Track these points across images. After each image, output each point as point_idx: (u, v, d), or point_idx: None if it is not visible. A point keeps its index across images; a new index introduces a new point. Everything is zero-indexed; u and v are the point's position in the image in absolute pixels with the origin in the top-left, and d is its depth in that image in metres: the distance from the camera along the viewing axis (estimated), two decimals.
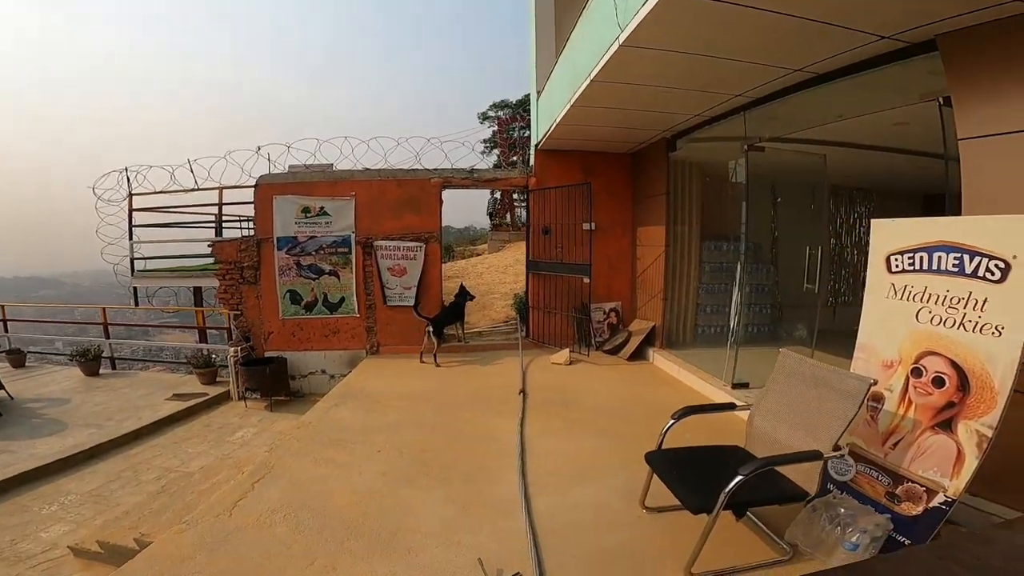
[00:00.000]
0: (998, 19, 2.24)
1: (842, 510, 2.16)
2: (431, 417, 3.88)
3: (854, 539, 2.03)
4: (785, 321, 5.74)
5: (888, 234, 2.29)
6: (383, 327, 5.91)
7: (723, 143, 4.51)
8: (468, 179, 6.07)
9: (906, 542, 2.04)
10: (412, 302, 5.79)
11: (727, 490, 1.83)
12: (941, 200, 2.61)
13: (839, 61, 2.99)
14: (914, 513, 2.06)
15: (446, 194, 6.07)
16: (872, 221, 2.39)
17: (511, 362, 5.33)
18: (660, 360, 5.12)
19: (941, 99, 2.58)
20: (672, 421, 2.38)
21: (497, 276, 9.70)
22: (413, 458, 3.14)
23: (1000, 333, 1.80)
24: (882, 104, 3.20)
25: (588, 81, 3.59)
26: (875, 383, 1.94)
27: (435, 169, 6.12)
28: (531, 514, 2.44)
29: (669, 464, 2.26)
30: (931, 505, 2.01)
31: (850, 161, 4.91)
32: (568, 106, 4.29)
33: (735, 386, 3.99)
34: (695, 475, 2.14)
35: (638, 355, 5.34)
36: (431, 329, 5.29)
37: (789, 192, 5.59)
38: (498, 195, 14.27)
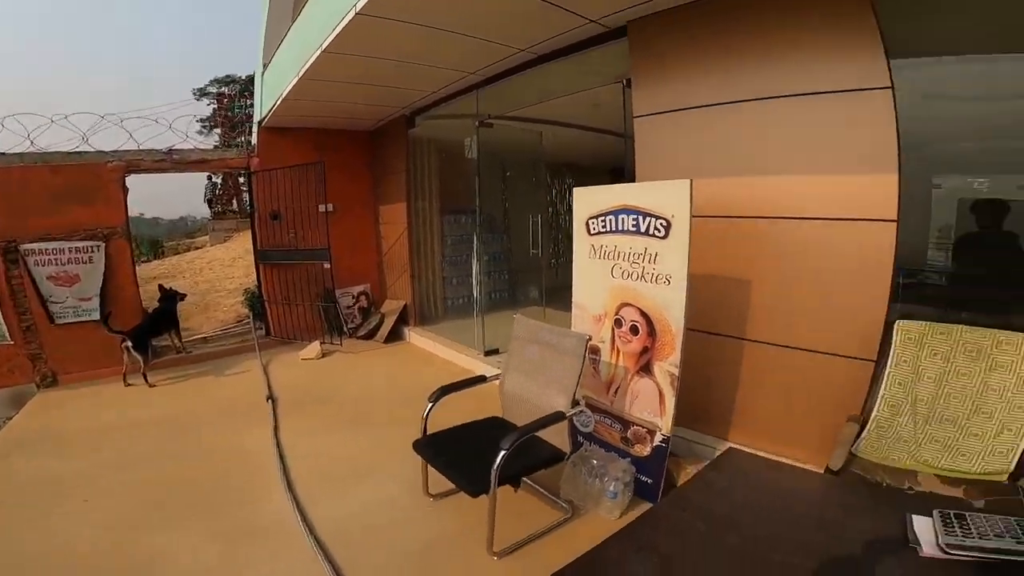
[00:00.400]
0: (672, 7, 2.67)
1: (595, 462, 2.37)
2: (165, 445, 3.14)
3: (611, 488, 2.25)
4: (520, 285, 6.32)
5: (586, 201, 2.58)
6: (57, 351, 4.46)
7: (458, 120, 4.64)
8: (164, 161, 4.91)
9: (648, 481, 2.34)
10: (97, 315, 4.48)
11: (494, 468, 1.85)
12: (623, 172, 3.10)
13: (558, 42, 3.26)
14: (645, 453, 2.39)
15: (145, 181, 4.94)
16: (574, 190, 2.67)
17: (251, 366, 4.66)
18: (416, 338, 5.13)
19: (625, 81, 3.01)
20: (430, 404, 2.32)
21: (222, 271, 8.45)
22: (153, 496, 2.48)
23: (670, 282, 2.19)
24: (585, 85, 3.59)
25: (319, 52, 3.26)
26: (590, 338, 2.16)
27: (115, 151, 4.74)
28: (312, 529, 2.17)
29: (436, 449, 2.21)
30: (655, 444, 2.35)
31: (562, 138, 5.56)
32: (296, 79, 3.85)
33: (487, 353, 4.22)
34: (464, 457, 2.12)
35: (394, 336, 5.24)
36: (129, 344, 4.19)
37: (516, 166, 6.11)
38: (219, 179, 12.16)
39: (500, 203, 6.37)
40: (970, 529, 1.11)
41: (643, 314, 2.31)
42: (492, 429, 2.34)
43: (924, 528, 1.13)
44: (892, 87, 2.17)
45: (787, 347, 2.51)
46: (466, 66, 3.74)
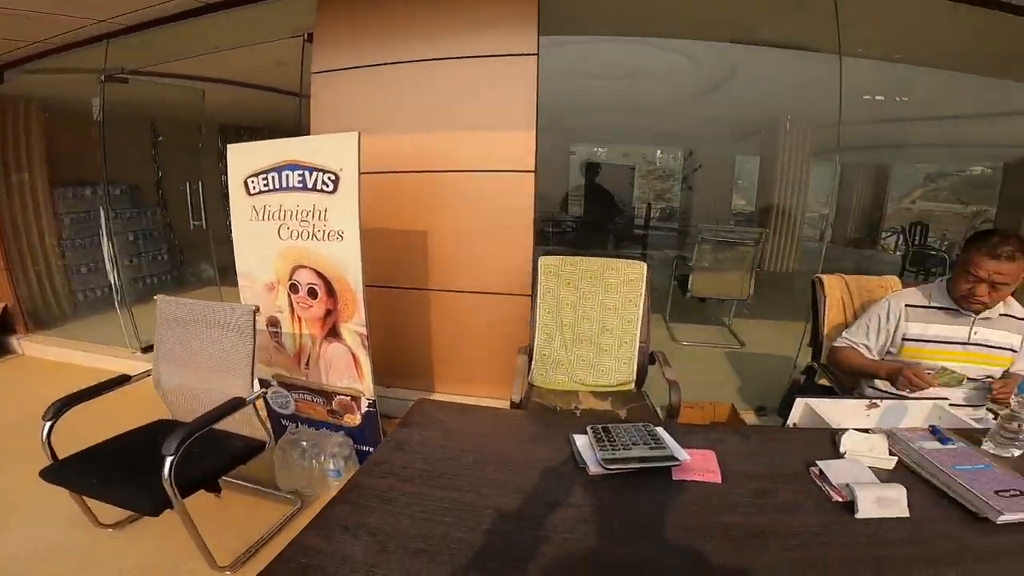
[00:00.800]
0: None
1: (304, 443, 2.16)
2: None
3: (331, 466, 2.09)
4: (188, 263, 5.39)
5: (244, 158, 2.22)
6: None
7: (78, 75, 3.55)
8: None
9: (369, 449, 2.21)
10: None
11: (165, 477, 1.50)
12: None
13: None
14: (357, 423, 2.25)
15: None
16: (228, 147, 2.26)
17: None
18: (35, 347, 3.76)
19: (307, 35, 2.73)
20: (47, 423, 1.72)
21: None
22: None
23: (343, 238, 2.07)
24: (261, 38, 3.13)
25: None
26: (257, 309, 1.88)
27: None
28: None
29: (80, 471, 1.70)
30: (364, 410, 2.23)
31: (241, 99, 4.80)
32: None
33: (145, 349, 3.40)
34: (123, 472, 1.68)
35: (1, 349, 3.70)
36: None
37: (172, 129, 5.10)
38: None
39: (152, 172, 5.19)
40: (616, 442, 1.18)
41: (320, 275, 2.14)
42: (157, 434, 1.83)
43: (585, 447, 1.21)
44: (538, 55, 2.48)
45: (465, 292, 2.74)
46: (96, 12, 2.82)
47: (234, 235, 2.27)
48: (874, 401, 1.60)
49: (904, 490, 1.02)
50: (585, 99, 5.88)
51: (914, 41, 3.33)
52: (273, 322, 2.26)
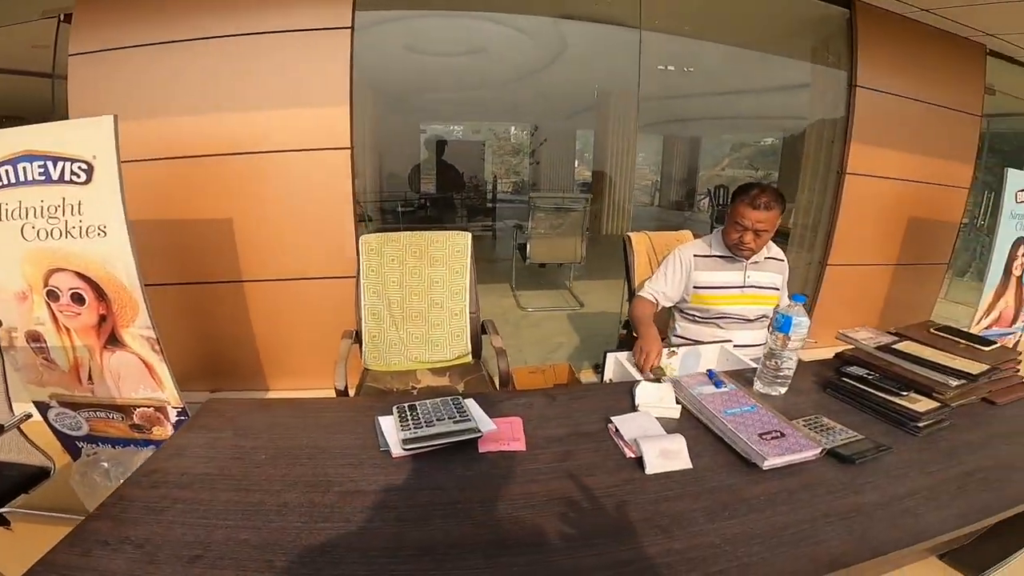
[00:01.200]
0: None
1: (105, 463, 1.92)
2: None
3: None
4: None
5: None
6: None
7: None
8: None
9: None
10: None
11: None
12: None
13: None
14: (169, 432, 1.99)
15: None
16: None
17: None
18: None
19: (62, 16, 2.29)
20: None
21: None
22: None
23: (106, 233, 1.77)
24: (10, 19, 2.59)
25: None
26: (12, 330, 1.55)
27: None
28: None
29: None
30: (175, 420, 1.99)
31: None
32: None
33: None
34: None
35: None
36: None
37: None
38: None
39: None
40: (420, 419, 1.13)
41: (83, 277, 1.81)
42: None
43: (389, 429, 1.13)
44: (352, 28, 2.33)
45: (284, 280, 2.54)
46: None
47: None
48: (672, 349, 1.73)
49: (683, 440, 1.06)
50: (430, 77, 5.73)
51: (706, 16, 3.66)
52: (34, 336, 1.88)
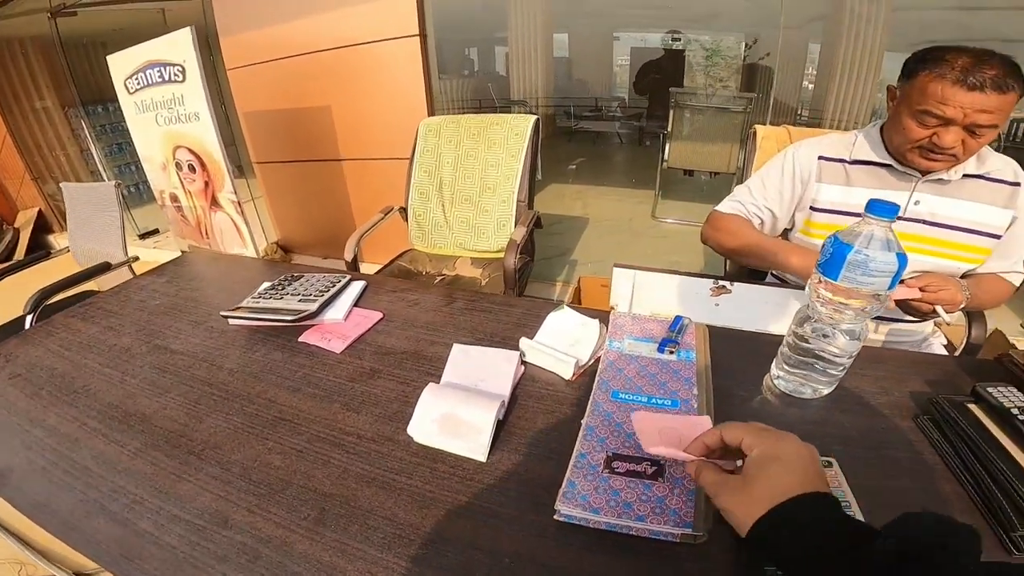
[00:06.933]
0: None
1: None
2: None
3: None
4: None
5: (121, 65, 2.24)
6: None
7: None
8: None
9: None
10: None
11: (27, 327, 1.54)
12: None
13: None
14: None
15: None
16: (108, 59, 2.26)
17: None
18: (66, 242, 4.35)
19: None
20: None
21: None
22: None
23: (199, 118, 2.04)
24: None
25: None
26: (119, 184, 1.94)
27: None
28: None
29: None
30: None
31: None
32: None
33: (142, 236, 3.81)
34: None
35: (40, 248, 4.27)
36: None
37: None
38: None
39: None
40: (282, 291, 1.00)
41: (192, 152, 2.15)
42: None
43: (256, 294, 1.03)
44: None
45: (371, 159, 2.63)
46: None
47: (129, 127, 2.34)
48: (722, 283, 1.12)
49: (493, 417, 0.61)
50: None
51: None
52: (173, 197, 2.35)
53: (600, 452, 0.55)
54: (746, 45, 7.79)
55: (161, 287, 1.15)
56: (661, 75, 7.17)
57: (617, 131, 6.72)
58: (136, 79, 2.19)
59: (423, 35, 2.25)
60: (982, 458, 0.57)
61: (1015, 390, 0.65)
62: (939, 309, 0.90)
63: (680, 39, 8.35)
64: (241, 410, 0.72)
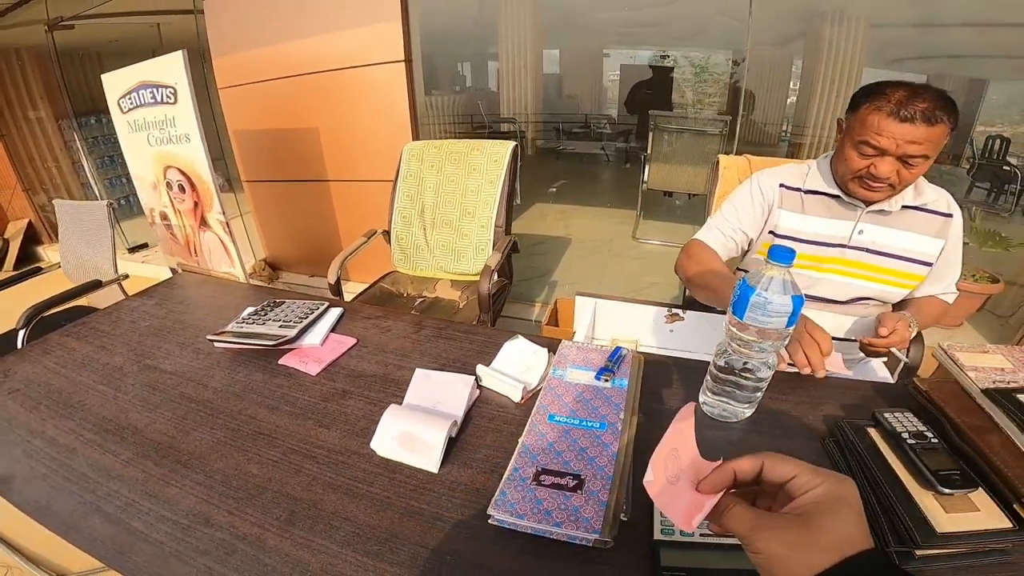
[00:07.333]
0: None
1: None
2: None
3: None
4: None
5: (114, 84, 2.32)
6: None
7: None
8: None
9: None
10: None
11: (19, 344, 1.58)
12: None
13: None
14: None
15: None
16: (103, 76, 2.34)
17: None
18: (56, 255, 4.39)
19: None
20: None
21: None
22: None
23: (190, 140, 2.12)
24: None
25: None
26: (111, 204, 2.01)
27: None
28: None
29: None
30: None
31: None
32: None
33: (131, 250, 3.87)
34: None
35: (30, 260, 4.30)
36: None
37: (125, 61, 5.38)
38: None
39: None
40: (263, 316, 1.07)
41: (182, 172, 2.23)
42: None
43: (240, 318, 1.10)
44: None
45: (354, 181, 2.73)
46: None
47: (122, 146, 2.41)
48: (675, 311, 1.22)
49: (444, 435, 0.69)
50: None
51: None
52: (163, 216, 2.42)
53: (531, 467, 0.64)
54: (733, 63, 8.03)
55: (151, 309, 1.23)
56: (652, 92, 7.34)
57: (603, 150, 6.87)
58: (129, 99, 2.26)
59: (408, 60, 2.36)
60: (871, 479, 0.66)
61: (911, 415, 0.74)
62: (894, 350, 1.03)
63: (668, 56, 8.58)
64: (224, 425, 0.81)
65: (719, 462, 0.40)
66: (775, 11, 5.14)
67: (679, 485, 0.40)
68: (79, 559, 1.41)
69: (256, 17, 2.57)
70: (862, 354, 1.10)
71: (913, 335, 1.02)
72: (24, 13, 3.62)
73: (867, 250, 1.10)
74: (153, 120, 2.20)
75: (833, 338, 1.06)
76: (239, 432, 0.79)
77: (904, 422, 0.72)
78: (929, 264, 1.10)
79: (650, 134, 3.66)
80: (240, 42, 2.65)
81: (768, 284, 0.67)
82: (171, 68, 2.05)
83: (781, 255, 0.66)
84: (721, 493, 0.39)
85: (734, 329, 0.72)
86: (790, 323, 0.69)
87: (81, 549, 0.60)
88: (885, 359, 1.24)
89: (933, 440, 0.69)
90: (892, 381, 1.18)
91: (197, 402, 0.87)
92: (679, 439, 0.44)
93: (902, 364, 1.15)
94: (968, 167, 5.20)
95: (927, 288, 1.15)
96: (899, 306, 1.19)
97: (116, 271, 1.99)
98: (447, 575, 0.55)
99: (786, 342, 0.73)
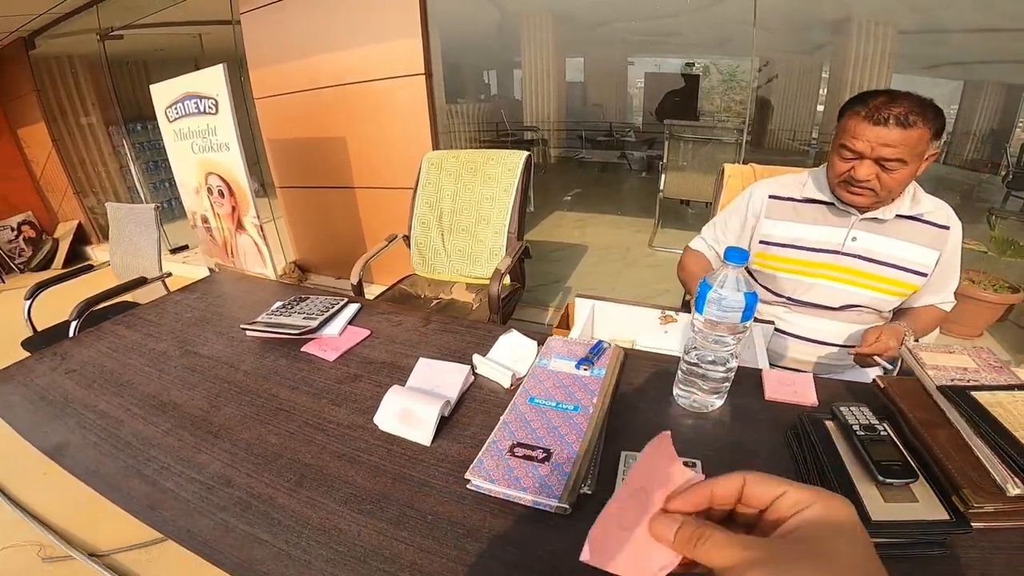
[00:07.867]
0: None
1: None
2: None
3: None
4: None
5: (162, 94, 2.51)
6: None
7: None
8: None
9: None
10: None
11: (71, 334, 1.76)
12: None
13: None
14: None
15: None
16: (152, 87, 2.53)
17: None
18: (104, 255, 4.70)
19: None
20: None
21: None
22: None
23: (229, 148, 2.30)
24: None
25: None
26: (158, 207, 2.21)
27: None
28: None
29: None
30: None
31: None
32: None
33: (174, 251, 4.11)
34: None
35: (78, 259, 4.62)
36: None
37: (169, 71, 5.60)
38: None
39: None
40: (291, 309, 1.20)
41: (222, 179, 2.41)
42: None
43: (270, 310, 1.22)
44: None
45: (379, 188, 2.88)
46: None
47: (168, 153, 2.60)
48: (668, 313, 1.28)
49: (436, 412, 0.79)
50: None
51: None
52: (204, 219, 2.62)
53: (508, 440, 0.73)
54: (759, 70, 7.94)
55: (193, 302, 1.38)
56: (681, 100, 7.34)
57: (623, 158, 6.90)
58: (175, 108, 2.45)
59: (428, 74, 2.50)
60: (819, 467, 0.71)
61: (867, 409, 0.78)
62: (877, 358, 1.07)
63: (693, 64, 8.55)
64: (250, 402, 0.93)
65: (697, 478, 0.33)
66: (801, 19, 5.12)
67: (636, 533, 0.32)
68: (108, 539, 1.52)
69: (287, 31, 2.76)
70: (851, 361, 1.14)
71: (910, 343, 1.04)
72: (77, 23, 3.89)
73: (860, 257, 1.13)
74: (197, 129, 2.38)
75: (825, 343, 1.11)
76: (263, 408, 0.91)
77: (858, 415, 0.77)
78: (922, 274, 1.11)
79: (665, 143, 3.70)
80: (274, 55, 2.84)
81: (724, 282, 0.74)
82: (213, 80, 2.22)
83: (734, 256, 0.73)
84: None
85: (698, 324, 0.79)
86: (745, 318, 0.76)
87: (118, 505, 0.71)
88: (878, 368, 1.28)
89: (882, 433, 0.73)
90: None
91: (229, 382, 0.99)
92: (649, 477, 0.34)
93: (895, 373, 1.18)
94: (1003, 175, 5.01)
95: (925, 298, 1.17)
96: (896, 315, 1.22)
97: (160, 269, 2.16)
98: (426, 530, 0.64)
99: (744, 336, 0.80)
